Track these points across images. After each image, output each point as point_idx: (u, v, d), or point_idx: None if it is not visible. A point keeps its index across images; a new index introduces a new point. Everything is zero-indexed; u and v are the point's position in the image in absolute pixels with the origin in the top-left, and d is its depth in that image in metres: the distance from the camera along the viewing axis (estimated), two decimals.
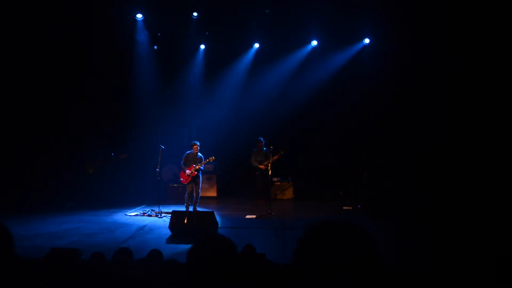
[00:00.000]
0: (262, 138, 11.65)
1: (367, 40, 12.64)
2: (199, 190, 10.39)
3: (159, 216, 9.76)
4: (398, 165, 11.01)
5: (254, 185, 11.85)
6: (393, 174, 10.79)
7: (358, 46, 12.76)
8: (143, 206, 10.99)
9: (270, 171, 10.66)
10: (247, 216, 9.80)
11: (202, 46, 13.26)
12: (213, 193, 12.86)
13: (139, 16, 12.23)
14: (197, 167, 10.19)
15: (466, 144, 10.45)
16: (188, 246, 1.95)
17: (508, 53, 9.82)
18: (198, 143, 10.32)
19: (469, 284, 4.41)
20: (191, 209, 10.21)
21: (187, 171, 10.20)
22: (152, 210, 10.31)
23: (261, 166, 11.36)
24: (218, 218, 8.26)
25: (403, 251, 6.28)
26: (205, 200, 11.95)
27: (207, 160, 10.31)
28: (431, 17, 10.50)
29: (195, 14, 12.23)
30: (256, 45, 13.22)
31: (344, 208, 10.72)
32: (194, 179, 10.26)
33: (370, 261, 1.35)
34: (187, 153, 10.37)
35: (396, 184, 10.60)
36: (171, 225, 7.89)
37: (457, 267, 5.26)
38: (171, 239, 7.60)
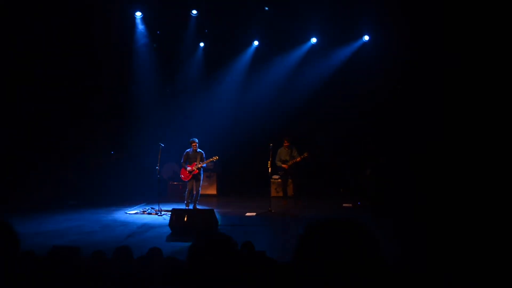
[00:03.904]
0: (288, 137, 11.32)
1: (366, 37, 12.62)
2: (200, 188, 10.39)
3: (159, 214, 9.77)
4: (398, 164, 11.00)
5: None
6: (394, 173, 10.78)
7: (358, 43, 12.74)
8: (143, 204, 10.99)
9: (291, 171, 11.09)
10: (247, 214, 9.80)
11: (202, 44, 13.24)
12: (213, 190, 12.86)
13: (138, 14, 12.20)
14: (200, 165, 10.17)
15: (466, 144, 10.44)
16: (188, 244, 1.95)
17: (508, 52, 9.80)
18: (196, 140, 10.31)
19: (469, 284, 4.41)
20: (191, 207, 10.21)
21: (189, 168, 10.19)
22: (152, 208, 10.31)
23: (284, 165, 11.31)
24: (218, 216, 8.26)
25: (403, 251, 6.27)
26: (205, 198, 11.95)
27: (210, 159, 10.29)
28: (431, 15, 10.48)
29: (194, 12, 12.21)
30: (256, 43, 13.21)
31: (344, 205, 10.72)
32: (195, 177, 10.25)
33: (371, 261, 1.34)
34: (187, 151, 10.36)
35: (397, 183, 10.59)
36: (171, 223, 7.90)
37: (457, 267, 5.26)
38: (171, 237, 7.61)
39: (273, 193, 12.15)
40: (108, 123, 12.70)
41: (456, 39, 10.42)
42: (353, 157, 12.04)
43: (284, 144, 11.31)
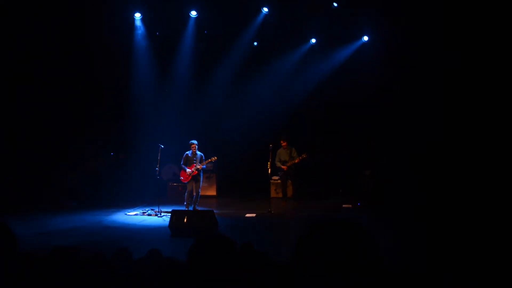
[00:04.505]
0: (284, 137, 11.39)
1: (365, 38, 12.63)
2: (199, 189, 10.39)
3: (158, 215, 9.76)
4: (398, 164, 11.00)
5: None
6: (393, 173, 10.78)
7: (357, 44, 12.76)
8: (143, 205, 10.98)
9: (291, 172, 11.21)
10: (247, 215, 9.80)
11: (201, 45, 13.25)
12: (212, 192, 12.86)
13: (137, 15, 12.21)
14: (199, 166, 10.18)
15: (466, 143, 10.44)
16: (188, 245, 1.95)
17: (508, 52, 9.81)
18: (196, 142, 10.32)
19: (469, 284, 4.41)
20: (191, 208, 10.20)
21: (188, 170, 10.20)
22: (152, 210, 10.30)
23: (283, 167, 11.34)
24: (217, 217, 8.26)
25: (403, 251, 6.27)
26: (205, 199, 11.94)
27: (209, 160, 10.30)
28: (431, 15, 10.49)
29: (193, 13, 12.21)
30: (255, 43, 13.20)
31: (343, 206, 10.72)
32: (195, 178, 10.26)
33: (371, 261, 1.34)
34: (187, 153, 10.37)
35: (396, 183, 10.59)
36: (171, 224, 7.89)
37: (457, 267, 5.26)
38: (171, 238, 7.60)
39: (273, 194, 12.17)
40: (108, 124, 12.69)
41: (456, 39, 10.43)
42: (353, 157, 12.03)
43: (282, 145, 11.37)
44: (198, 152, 10.34)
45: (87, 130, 12.30)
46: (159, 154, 10.13)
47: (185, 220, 7.79)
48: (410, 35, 11.06)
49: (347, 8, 11.56)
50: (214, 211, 8.24)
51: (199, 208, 10.21)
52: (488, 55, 10.11)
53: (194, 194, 10.29)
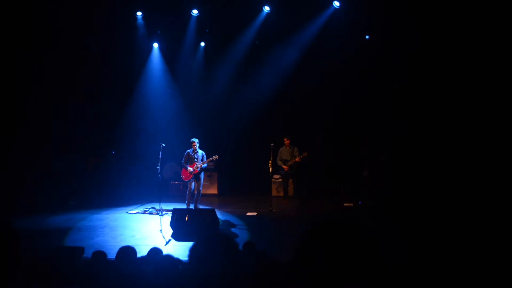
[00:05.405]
0: (288, 135, 11.42)
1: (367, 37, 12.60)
2: (200, 188, 10.40)
3: (160, 213, 9.78)
4: (398, 163, 10.99)
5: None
6: (393, 172, 10.78)
7: (358, 43, 12.71)
8: (144, 204, 11.00)
9: (292, 171, 11.24)
10: (248, 214, 9.81)
11: (202, 44, 13.26)
12: (214, 190, 12.86)
13: (139, 13, 12.22)
14: (200, 165, 10.19)
15: (466, 143, 10.42)
16: (189, 243, 1.96)
17: (507, 49, 9.77)
18: (196, 140, 10.33)
19: (468, 284, 4.42)
20: (192, 207, 10.22)
21: (189, 168, 10.21)
22: (153, 208, 10.32)
23: (285, 167, 11.33)
24: (219, 216, 8.27)
25: (403, 250, 6.27)
26: (206, 197, 11.95)
27: (211, 158, 10.30)
28: (432, 14, 10.46)
29: (195, 11, 12.21)
30: (256, 42, 13.17)
31: (345, 205, 10.72)
32: (196, 176, 10.28)
33: (372, 261, 1.35)
34: (188, 151, 10.39)
35: (396, 182, 10.59)
36: (172, 223, 7.91)
37: (457, 266, 5.26)
38: (172, 237, 7.61)
39: (274, 192, 12.16)
40: (109, 122, 12.71)
41: (456, 36, 10.39)
42: (353, 155, 12.02)
43: (285, 143, 11.36)
44: (199, 151, 10.34)
45: (88, 129, 12.32)
46: (160, 152, 10.14)
47: (186, 218, 7.81)
48: (410, 34, 11.01)
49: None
50: (215, 209, 8.25)
51: (200, 207, 10.23)
52: (487, 52, 10.07)
53: (195, 192, 10.31)
